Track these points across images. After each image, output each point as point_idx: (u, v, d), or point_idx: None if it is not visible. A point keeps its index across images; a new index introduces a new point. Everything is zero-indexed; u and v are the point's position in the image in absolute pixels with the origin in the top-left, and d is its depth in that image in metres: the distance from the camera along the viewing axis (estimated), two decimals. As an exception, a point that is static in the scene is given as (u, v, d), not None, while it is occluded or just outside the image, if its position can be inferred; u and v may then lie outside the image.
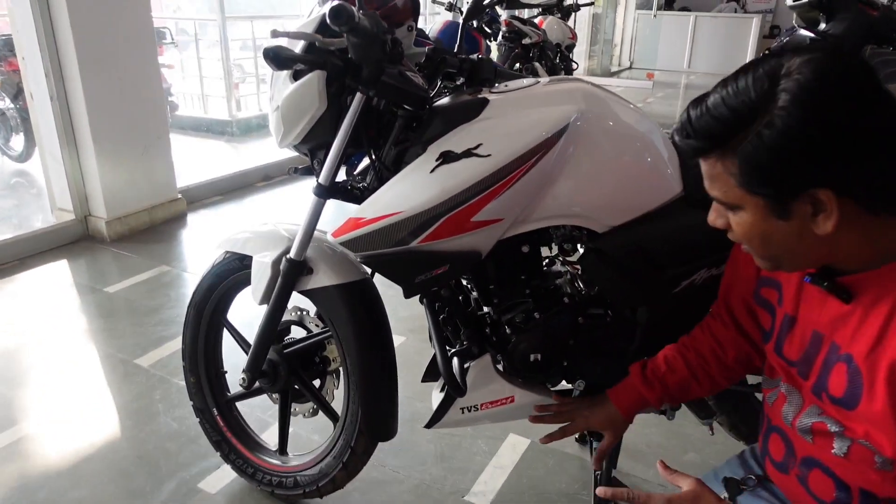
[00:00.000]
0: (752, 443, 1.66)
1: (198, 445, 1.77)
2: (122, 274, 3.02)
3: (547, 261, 1.51)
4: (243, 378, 1.51)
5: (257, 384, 1.59)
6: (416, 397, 2.07)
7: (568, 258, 1.47)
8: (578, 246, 1.42)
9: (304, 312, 1.63)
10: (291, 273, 1.40)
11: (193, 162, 5.41)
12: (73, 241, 3.41)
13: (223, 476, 1.72)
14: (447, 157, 1.21)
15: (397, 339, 2.43)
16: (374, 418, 1.43)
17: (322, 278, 1.42)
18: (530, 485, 1.68)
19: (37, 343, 2.43)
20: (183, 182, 3.99)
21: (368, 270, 1.47)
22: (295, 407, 1.66)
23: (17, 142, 5.06)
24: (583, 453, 1.80)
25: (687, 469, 0.95)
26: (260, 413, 1.97)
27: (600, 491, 1.01)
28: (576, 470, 1.74)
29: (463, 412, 1.44)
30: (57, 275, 3.05)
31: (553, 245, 1.42)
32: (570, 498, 1.64)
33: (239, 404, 1.93)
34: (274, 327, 1.48)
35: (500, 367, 1.44)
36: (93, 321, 2.62)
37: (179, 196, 3.80)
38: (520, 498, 1.63)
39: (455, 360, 1.39)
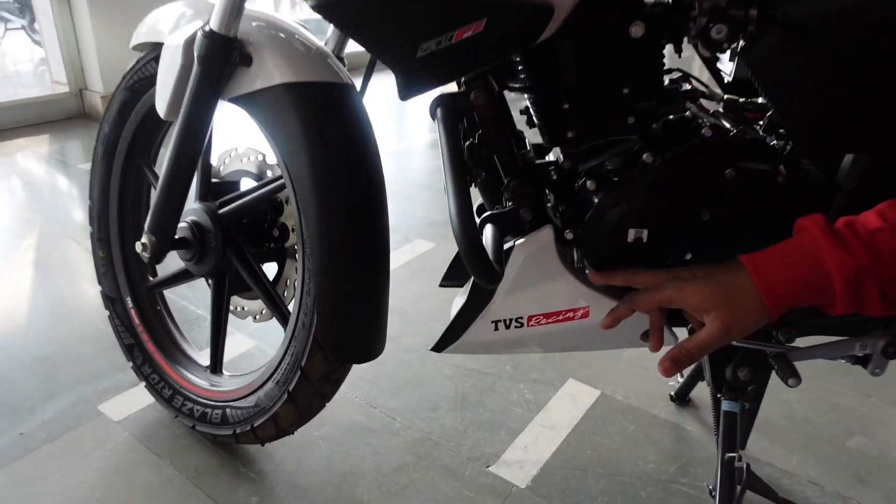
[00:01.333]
0: None
1: (120, 355, 1.23)
2: (107, 153, 2.51)
3: (677, 74, 0.85)
4: (143, 244, 0.93)
5: (185, 264, 1.02)
6: (439, 317, 1.47)
7: (715, 56, 0.81)
8: (738, 37, 0.75)
9: (262, 158, 1.03)
10: (213, 55, 0.80)
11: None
12: (66, 117, 2.93)
13: (137, 400, 1.17)
14: None
15: (424, 245, 1.83)
16: (337, 322, 0.83)
17: (268, 72, 0.81)
18: (596, 458, 1.07)
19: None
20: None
21: (349, 81, 0.86)
22: (241, 305, 1.08)
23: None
24: (680, 418, 1.17)
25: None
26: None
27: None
28: (670, 443, 1.11)
29: (497, 328, 0.84)
30: (33, 148, 2.57)
31: (688, 38, 0.75)
32: (662, 486, 1.01)
33: (180, 296, 1.39)
34: (190, 157, 0.88)
35: (567, 254, 0.82)
36: (51, 196, 2.13)
37: (195, 79, 3.24)
38: (579, 479, 1.02)
39: (489, 232, 0.77)
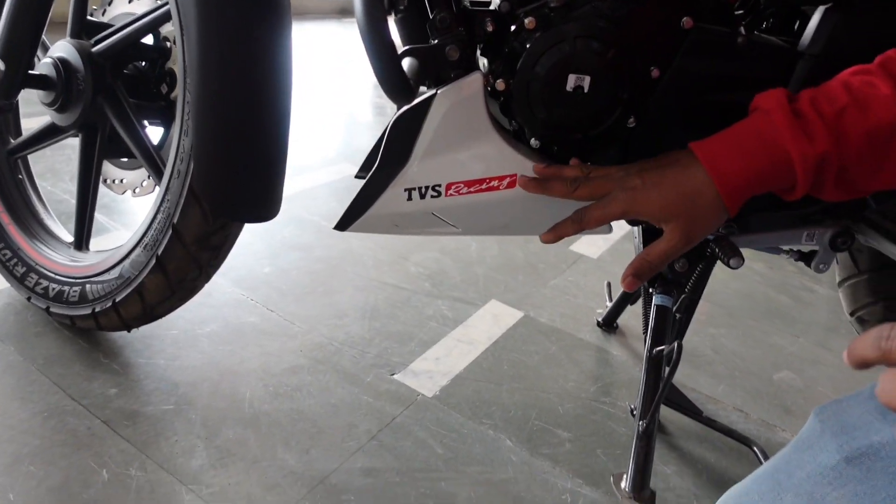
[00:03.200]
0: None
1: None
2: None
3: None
4: (-11, 69, 0.77)
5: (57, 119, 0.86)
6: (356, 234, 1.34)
7: None
8: None
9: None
10: None
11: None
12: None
13: (-14, 281, 1.00)
14: None
15: (350, 168, 1.70)
16: (217, 168, 0.69)
17: None
18: (513, 374, 0.97)
19: None
20: None
21: None
22: (117, 177, 0.92)
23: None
24: (606, 342, 1.09)
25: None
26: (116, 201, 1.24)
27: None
28: (593, 364, 1.03)
29: (410, 196, 0.73)
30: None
31: None
32: (581, 403, 0.93)
33: (62, 189, 1.21)
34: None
35: (497, 105, 0.71)
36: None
37: None
38: (493, 391, 0.92)
39: (407, 65, 0.65)
